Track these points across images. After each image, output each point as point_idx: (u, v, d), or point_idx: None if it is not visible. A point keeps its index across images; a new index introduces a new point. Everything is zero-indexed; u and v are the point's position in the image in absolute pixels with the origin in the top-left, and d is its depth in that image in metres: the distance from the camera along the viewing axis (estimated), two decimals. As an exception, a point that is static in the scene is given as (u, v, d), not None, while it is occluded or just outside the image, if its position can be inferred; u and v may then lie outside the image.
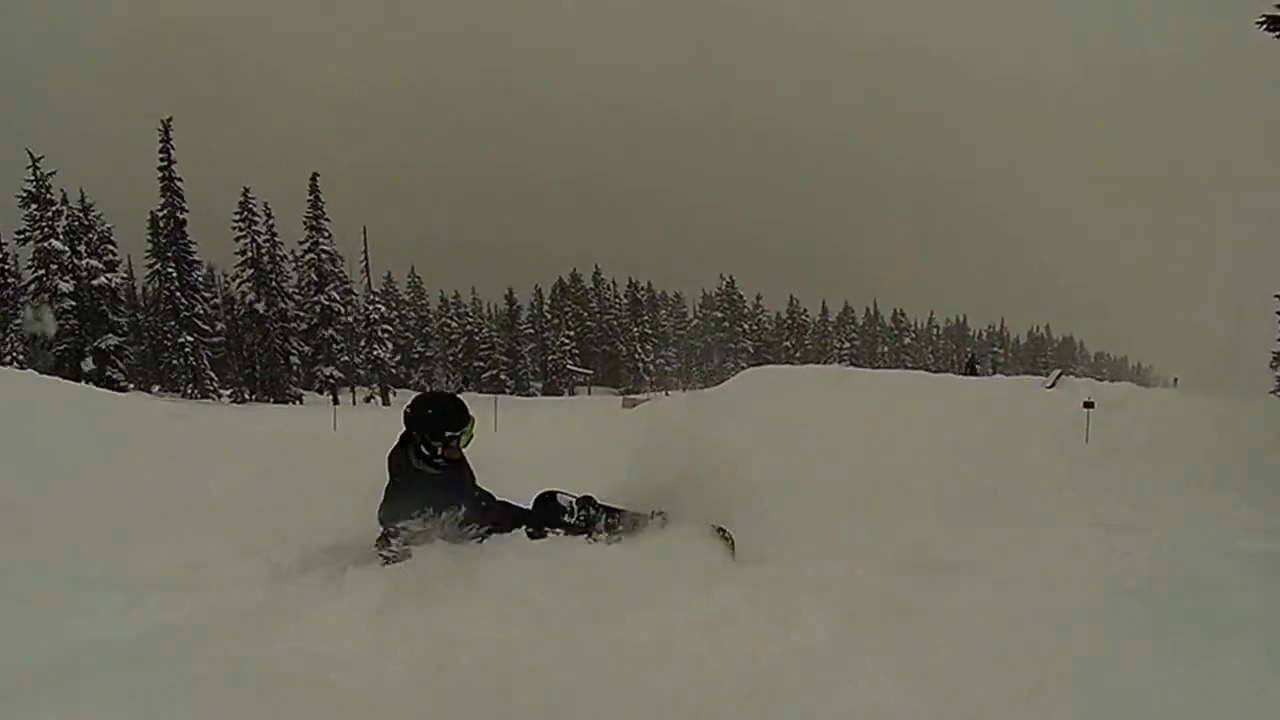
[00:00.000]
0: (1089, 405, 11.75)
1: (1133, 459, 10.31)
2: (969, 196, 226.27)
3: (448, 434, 4.13)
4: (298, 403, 46.81)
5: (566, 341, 77.56)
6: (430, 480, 4.09)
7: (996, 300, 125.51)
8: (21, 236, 36.98)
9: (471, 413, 4.28)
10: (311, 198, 49.41)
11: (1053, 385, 18.86)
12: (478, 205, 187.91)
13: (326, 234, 49.76)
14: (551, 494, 4.53)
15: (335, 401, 49.06)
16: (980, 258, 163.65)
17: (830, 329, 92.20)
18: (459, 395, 4.49)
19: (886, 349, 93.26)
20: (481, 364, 75.75)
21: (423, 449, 4.12)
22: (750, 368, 30.45)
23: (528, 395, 68.72)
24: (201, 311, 43.03)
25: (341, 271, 51.21)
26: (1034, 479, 9.39)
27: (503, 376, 74.66)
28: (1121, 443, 11.06)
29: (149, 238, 42.71)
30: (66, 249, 36.80)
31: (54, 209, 36.81)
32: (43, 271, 36.63)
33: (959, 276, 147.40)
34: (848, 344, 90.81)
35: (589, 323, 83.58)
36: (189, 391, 41.36)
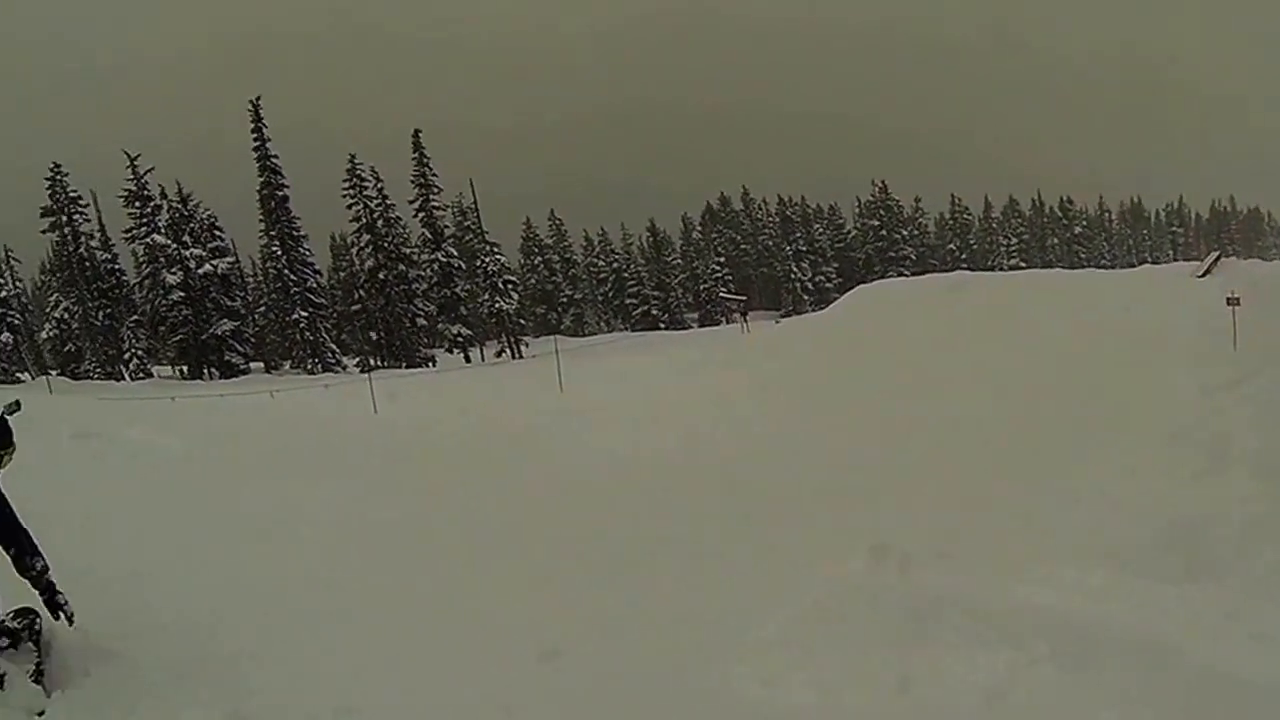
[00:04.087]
0: (1233, 302, 9.47)
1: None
2: (1127, 67, 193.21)
3: None
4: (430, 364, 47.06)
5: (717, 268, 73.78)
6: None
7: (1174, 176, 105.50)
8: (129, 235, 38.57)
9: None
10: (416, 155, 48.64)
11: (1205, 273, 14.65)
12: (620, 145, 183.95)
13: (436, 190, 49.06)
14: None
15: (466, 359, 49.24)
16: (1152, 131, 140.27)
17: (995, 226, 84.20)
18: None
19: (1056, 240, 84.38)
20: (633, 301, 73.87)
21: None
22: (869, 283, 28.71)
23: (682, 329, 66.17)
24: (313, 285, 43.51)
25: (474, 225, 50.74)
26: (1132, 429, 7.25)
27: (654, 312, 72.47)
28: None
29: (260, 219, 43.55)
30: (171, 242, 37.95)
31: (153, 204, 37.95)
32: (151, 266, 38.07)
33: (1130, 156, 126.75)
34: (1015, 239, 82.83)
35: (742, 246, 79.23)
36: (310, 366, 42.18)
